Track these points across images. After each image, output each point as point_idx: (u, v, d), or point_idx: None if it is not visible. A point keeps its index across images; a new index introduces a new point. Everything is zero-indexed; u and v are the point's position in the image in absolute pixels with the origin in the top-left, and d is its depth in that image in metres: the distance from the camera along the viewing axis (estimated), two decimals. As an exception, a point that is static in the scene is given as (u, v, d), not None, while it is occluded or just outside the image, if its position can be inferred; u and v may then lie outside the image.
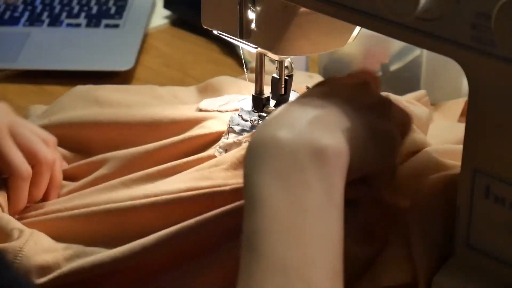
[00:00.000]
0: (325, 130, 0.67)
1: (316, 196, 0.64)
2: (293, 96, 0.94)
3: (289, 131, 0.66)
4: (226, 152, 0.88)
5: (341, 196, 0.66)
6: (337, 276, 0.63)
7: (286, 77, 0.91)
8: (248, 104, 0.93)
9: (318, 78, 1.17)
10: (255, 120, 0.91)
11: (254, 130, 0.90)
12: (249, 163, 0.67)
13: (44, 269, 0.82)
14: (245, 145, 0.88)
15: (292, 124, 0.67)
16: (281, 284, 0.61)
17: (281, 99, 0.91)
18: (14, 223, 0.86)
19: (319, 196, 0.64)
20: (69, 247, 0.84)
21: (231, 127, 0.91)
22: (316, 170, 0.65)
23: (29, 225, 0.87)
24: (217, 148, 0.89)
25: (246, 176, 0.66)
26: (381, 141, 0.72)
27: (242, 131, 0.90)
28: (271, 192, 0.64)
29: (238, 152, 0.85)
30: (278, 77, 0.90)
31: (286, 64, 0.90)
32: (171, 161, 0.89)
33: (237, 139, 0.89)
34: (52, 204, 0.91)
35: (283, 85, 0.91)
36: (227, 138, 0.89)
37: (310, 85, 0.99)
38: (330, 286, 0.63)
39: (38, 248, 0.83)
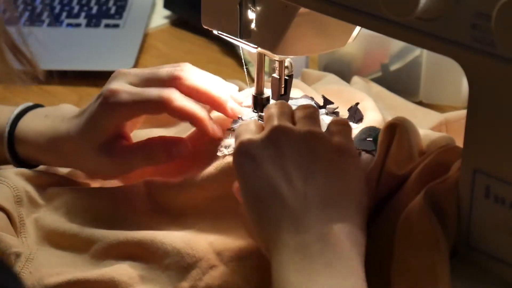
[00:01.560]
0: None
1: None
2: (305, 101, 0.93)
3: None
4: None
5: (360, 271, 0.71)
6: None
7: (286, 77, 0.91)
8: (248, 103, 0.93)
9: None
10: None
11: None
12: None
13: None
14: None
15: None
16: None
17: (281, 99, 0.91)
18: (13, 246, 0.85)
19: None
20: (67, 272, 0.84)
21: (233, 128, 0.91)
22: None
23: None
24: (219, 147, 0.89)
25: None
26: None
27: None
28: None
29: None
30: (278, 77, 0.90)
31: (286, 64, 0.90)
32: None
33: None
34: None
35: (283, 85, 0.91)
36: (230, 138, 0.90)
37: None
38: None
39: (32, 277, 0.83)
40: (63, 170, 0.97)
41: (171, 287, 0.81)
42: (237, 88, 0.91)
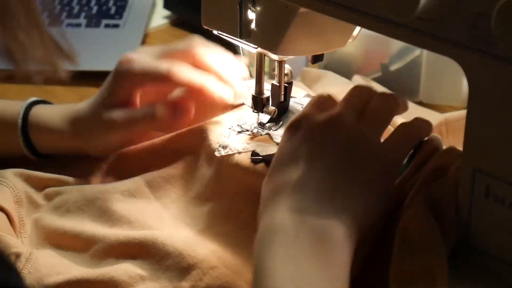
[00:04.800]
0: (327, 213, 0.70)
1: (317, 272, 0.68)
2: (306, 101, 0.93)
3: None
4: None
5: (344, 270, 0.69)
6: None
7: (286, 84, 0.90)
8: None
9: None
10: (254, 127, 0.91)
11: (255, 131, 0.90)
12: (259, 246, 0.70)
13: None
14: (238, 157, 0.88)
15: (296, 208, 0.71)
16: None
17: (281, 105, 0.91)
18: (13, 246, 0.85)
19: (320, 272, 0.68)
20: (67, 272, 0.84)
21: (231, 128, 0.91)
22: (319, 254, 0.69)
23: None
24: (217, 148, 0.89)
25: (257, 257, 0.70)
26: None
27: (241, 131, 0.91)
28: (277, 266, 0.68)
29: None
30: (277, 84, 0.90)
31: (286, 72, 0.90)
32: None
33: (236, 149, 0.88)
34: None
35: (282, 92, 0.90)
36: (228, 138, 0.90)
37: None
38: None
39: (32, 277, 0.83)
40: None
41: (172, 287, 0.81)
42: (246, 70, 0.95)
